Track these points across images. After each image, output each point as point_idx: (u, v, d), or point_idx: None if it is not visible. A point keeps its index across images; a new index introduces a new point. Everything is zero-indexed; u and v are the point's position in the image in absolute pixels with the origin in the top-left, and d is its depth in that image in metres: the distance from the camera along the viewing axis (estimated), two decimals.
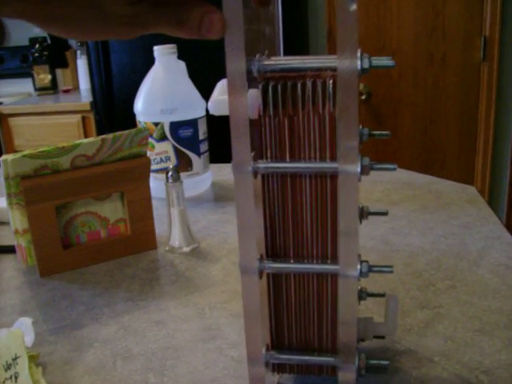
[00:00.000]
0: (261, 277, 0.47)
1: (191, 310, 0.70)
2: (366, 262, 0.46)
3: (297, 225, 0.47)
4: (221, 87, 0.97)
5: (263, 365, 0.49)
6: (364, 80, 2.37)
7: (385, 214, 0.55)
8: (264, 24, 0.51)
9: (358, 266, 0.45)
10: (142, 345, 0.63)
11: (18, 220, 0.81)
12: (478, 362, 0.57)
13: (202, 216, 1.02)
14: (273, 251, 0.48)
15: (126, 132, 0.81)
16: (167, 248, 0.87)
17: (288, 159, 0.45)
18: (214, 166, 1.21)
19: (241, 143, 0.43)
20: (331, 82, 0.44)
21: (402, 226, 0.92)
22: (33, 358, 0.59)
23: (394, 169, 0.46)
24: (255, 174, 0.44)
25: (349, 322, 0.46)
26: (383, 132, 0.50)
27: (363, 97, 2.38)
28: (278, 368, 0.53)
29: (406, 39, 2.32)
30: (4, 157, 0.76)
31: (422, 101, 2.36)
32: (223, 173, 1.23)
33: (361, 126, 0.46)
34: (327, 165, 0.44)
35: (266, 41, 0.51)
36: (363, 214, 0.51)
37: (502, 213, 2.44)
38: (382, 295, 0.60)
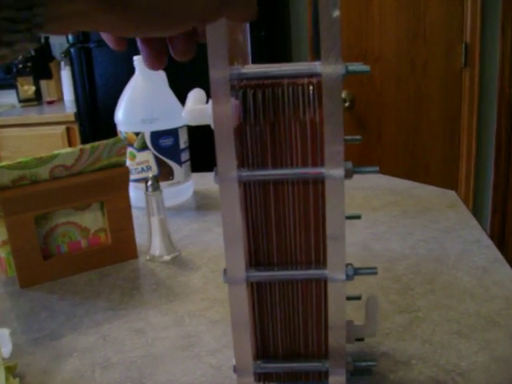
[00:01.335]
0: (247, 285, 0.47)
1: (171, 318, 0.70)
2: (351, 264, 0.47)
3: (280, 232, 0.47)
4: (193, 97, 0.97)
5: (252, 374, 0.49)
6: (347, 87, 2.38)
7: (358, 217, 0.56)
8: (238, 32, 0.51)
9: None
10: (121, 354, 0.63)
11: None
12: (455, 364, 0.58)
13: (183, 225, 1.02)
14: (256, 259, 0.48)
15: (104, 142, 0.81)
16: (148, 257, 0.87)
17: (270, 166, 0.45)
18: (196, 175, 1.22)
19: (225, 151, 0.43)
20: (311, 87, 0.45)
21: (382, 231, 0.93)
22: (10, 369, 0.59)
23: (376, 171, 0.46)
24: (239, 182, 0.44)
25: (338, 326, 0.47)
26: (354, 137, 0.50)
27: (347, 104, 2.39)
28: (264, 378, 0.52)
29: (387, 46, 2.33)
30: None
31: (405, 107, 2.37)
32: (205, 181, 1.23)
33: None
34: (313, 170, 0.44)
35: (239, 49, 0.52)
36: None
37: (486, 217, 2.46)
38: (358, 298, 0.60)
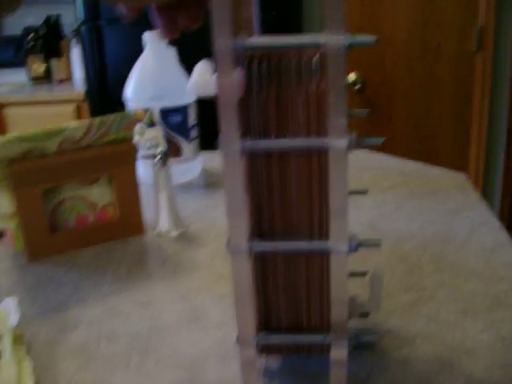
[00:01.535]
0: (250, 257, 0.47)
1: (177, 292, 0.70)
2: (355, 236, 0.46)
3: (284, 203, 0.47)
4: (200, 69, 0.97)
5: (254, 346, 0.49)
6: (358, 70, 2.37)
7: (363, 193, 0.55)
8: (244, 6, 0.51)
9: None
10: (127, 326, 0.64)
11: (5, 204, 0.81)
12: (460, 342, 0.57)
13: (191, 201, 1.02)
14: (259, 231, 0.48)
15: (112, 116, 0.81)
16: (155, 232, 0.87)
17: (274, 137, 0.45)
18: (205, 154, 1.22)
19: (229, 122, 0.42)
20: (315, 58, 0.44)
21: (389, 211, 0.92)
22: (17, 337, 0.59)
23: (380, 142, 0.45)
24: (243, 153, 0.44)
25: (340, 299, 0.46)
26: (361, 110, 0.50)
27: (357, 87, 2.38)
28: (267, 350, 0.53)
29: (400, 29, 2.32)
30: None
31: (416, 90, 2.36)
32: (213, 160, 1.23)
33: None
34: (316, 140, 0.44)
35: (246, 23, 0.51)
36: None
37: (495, 202, 2.45)
38: (364, 274, 0.60)
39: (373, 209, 0.94)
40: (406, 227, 0.86)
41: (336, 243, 0.45)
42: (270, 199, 0.47)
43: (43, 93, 2.95)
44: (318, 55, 0.44)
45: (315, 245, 0.47)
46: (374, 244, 0.47)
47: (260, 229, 0.48)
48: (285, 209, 0.47)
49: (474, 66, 2.31)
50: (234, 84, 0.41)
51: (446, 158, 2.40)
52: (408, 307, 0.64)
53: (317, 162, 0.45)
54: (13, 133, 0.77)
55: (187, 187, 1.10)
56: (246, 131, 0.45)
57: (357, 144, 0.44)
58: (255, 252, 0.48)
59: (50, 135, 0.78)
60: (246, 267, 0.46)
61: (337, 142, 0.42)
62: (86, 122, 0.80)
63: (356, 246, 0.46)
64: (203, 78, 0.92)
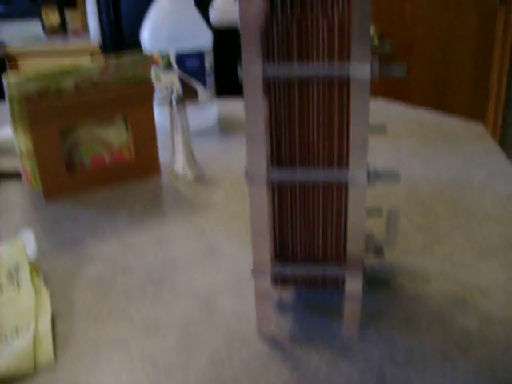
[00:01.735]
0: (268, 186, 0.47)
1: (192, 230, 0.71)
2: (374, 169, 0.46)
3: (303, 133, 0.47)
4: None
5: (269, 277, 0.49)
6: (376, 23, 2.33)
7: (383, 130, 0.55)
8: None
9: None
10: (142, 260, 0.64)
11: (22, 143, 0.81)
12: (475, 282, 0.57)
13: (207, 146, 1.01)
14: (278, 160, 0.48)
15: (130, 57, 0.81)
16: (171, 174, 0.87)
17: (296, 64, 0.44)
18: (221, 101, 1.21)
19: (251, 49, 0.42)
20: None
21: (406, 157, 0.92)
22: (34, 268, 0.60)
23: (403, 71, 0.45)
24: (264, 80, 0.44)
25: (357, 230, 0.46)
26: (383, 43, 0.49)
27: (374, 41, 2.34)
28: (281, 282, 0.53)
29: None
30: (7, 78, 0.76)
31: (436, 44, 2.32)
32: (230, 107, 1.22)
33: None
34: (340, 68, 0.43)
35: None
36: None
37: None
38: (380, 211, 0.60)
39: (389, 155, 0.93)
40: (422, 173, 0.85)
41: (355, 173, 0.44)
42: (289, 129, 0.46)
43: (58, 44, 2.93)
44: None
45: (334, 174, 0.46)
46: (393, 176, 0.47)
47: (279, 158, 0.48)
48: (304, 139, 0.47)
49: (495, 21, 2.27)
50: (257, 10, 0.41)
51: (463, 111, 2.37)
52: (423, 247, 0.64)
53: (338, 91, 0.45)
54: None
55: (203, 132, 1.09)
56: (268, 59, 0.45)
57: (380, 72, 0.43)
58: (273, 181, 0.48)
59: (66, 74, 0.77)
60: (264, 196, 0.46)
61: (360, 69, 0.42)
62: (102, 61, 0.79)
63: (375, 176, 0.45)
64: (226, 5, 0.91)
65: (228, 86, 1.19)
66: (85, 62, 2.27)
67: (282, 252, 0.51)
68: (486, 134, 1.03)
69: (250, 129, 0.44)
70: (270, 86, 0.45)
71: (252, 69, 0.42)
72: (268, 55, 0.44)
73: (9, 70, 2.88)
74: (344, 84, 0.44)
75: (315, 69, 0.44)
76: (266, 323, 0.51)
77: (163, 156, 0.90)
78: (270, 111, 0.46)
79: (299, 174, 0.47)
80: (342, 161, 0.47)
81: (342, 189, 0.48)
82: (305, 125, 0.46)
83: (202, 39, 1.07)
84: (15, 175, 0.91)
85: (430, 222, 0.70)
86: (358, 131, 0.43)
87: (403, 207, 0.74)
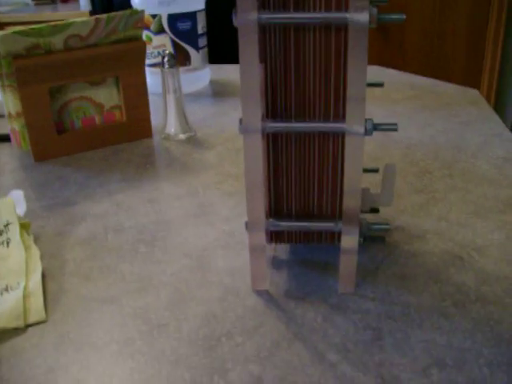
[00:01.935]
0: (263, 138, 0.46)
1: (184, 190, 0.70)
2: (371, 119, 0.45)
3: (299, 83, 0.45)
4: None
5: (264, 231, 0.48)
6: None
7: (380, 85, 0.54)
8: None
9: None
10: (133, 219, 0.63)
11: (10, 103, 0.80)
12: (470, 240, 0.57)
13: (199, 109, 1.00)
14: (273, 111, 0.46)
15: (120, 12, 0.79)
16: (163, 135, 0.86)
17: (292, 9, 0.43)
18: (213, 67, 1.19)
19: None
20: None
21: (401, 121, 0.91)
22: (24, 226, 0.59)
23: (402, 19, 0.43)
24: (259, 26, 0.42)
25: (354, 184, 0.45)
26: None
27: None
28: (276, 237, 0.52)
29: None
30: None
31: (430, 14, 2.29)
32: (222, 72, 1.20)
33: None
34: (338, 15, 0.42)
35: None
36: None
37: (507, 117, 2.43)
38: (376, 170, 0.59)
39: (384, 118, 0.92)
40: (418, 136, 0.84)
41: (352, 124, 0.43)
42: (285, 78, 0.45)
43: (47, 12, 2.88)
44: None
45: (330, 126, 0.45)
46: (390, 128, 0.46)
47: (274, 110, 0.46)
48: (300, 88, 0.45)
49: None
50: None
51: (458, 80, 2.35)
52: (419, 207, 0.64)
53: (335, 38, 0.43)
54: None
55: (195, 96, 1.08)
56: (264, 5, 0.43)
57: (378, 19, 0.42)
58: (268, 133, 0.47)
59: (55, 30, 0.76)
60: (259, 147, 0.45)
61: (358, 14, 0.40)
62: (92, 17, 0.77)
63: (372, 127, 0.44)
64: None
65: (222, 51, 1.17)
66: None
67: (276, 207, 0.50)
68: (481, 98, 1.02)
69: (244, 78, 0.43)
70: (265, 33, 0.44)
71: (247, 15, 0.41)
72: (264, 4, 0.43)
73: None
74: (341, 30, 0.43)
75: (312, 15, 0.42)
76: (261, 279, 0.50)
77: (155, 118, 0.89)
78: (265, 60, 0.45)
79: (294, 125, 0.46)
80: (339, 112, 0.46)
81: (339, 141, 0.47)
82: (301, 74, 0.45)
83: (194, 1, 1.05)
84: (4, 137, 0.90)
85: (425, 183, 0.69)
86: (355, 79, 0.42)
87: (399, 169, 0.73)
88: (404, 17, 0.43)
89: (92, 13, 2.62)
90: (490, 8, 2.25)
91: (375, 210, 0.57)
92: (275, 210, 0.50)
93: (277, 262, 0.54)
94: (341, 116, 0.46)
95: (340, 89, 0.45)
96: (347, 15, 0.41)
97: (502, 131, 0.86)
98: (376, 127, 0.45)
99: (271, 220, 0.49)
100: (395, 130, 0.46)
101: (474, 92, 1.06)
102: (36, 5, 3.14)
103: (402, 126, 0.88)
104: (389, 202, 0.53)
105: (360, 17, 0.40)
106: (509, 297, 0.48)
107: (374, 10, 0.42)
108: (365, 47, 0.41)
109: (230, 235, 0.59)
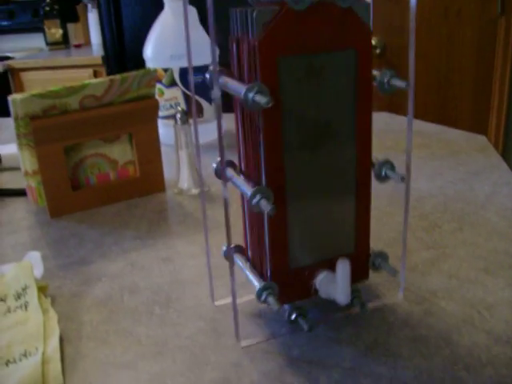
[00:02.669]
0: None
1: (198, 248, 0.71)
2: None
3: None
4: None
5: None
6: (378, 33, 2.33)
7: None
8: None
9: None
10: (148, 279, 0.64)
11: (27, 161, 0.82)
12: (481, 298, 0.57)
13: (211, 162, 1.01)
14: None
15: (134, 73, 0.81)
16: (176, 190, 0.87)
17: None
18: (226, 116, 1.21)
19: None
20: None
21: (411, 171, 0.92)
22: (42, 289, 0.60)
23: (407, 87, 0.45)
24: None
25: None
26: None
27: (377, 51, 2.35)
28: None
29: None
30: (13, 96, 0.76)
31: (437, 56, 2.32)
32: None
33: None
34: None
35: None
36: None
37: None
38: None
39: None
40: (427, 187, 0.85)
41: None
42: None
43: (60, 57, 2.94)
44: None
45: None
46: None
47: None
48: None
49: (496, 31, 2.27)
50: None
51: (465, 123, 2.37)
52: (429, 264, 0.64)
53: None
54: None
55: (208, 148, 1.09)
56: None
57: (383, 90, 0.44)
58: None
59: (71, 92, 0.78)
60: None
61: None
62: (107, 78, 0.80)
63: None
64: None
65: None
66: (87, 74, 2.27)
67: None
68: (489, 145, 1.04)
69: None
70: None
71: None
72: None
73: (12, 83, 2.89)
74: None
75: None
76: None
77: (168, 171, 0.90)
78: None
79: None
80: None
81: None
82: None
83: (206, 55, 1.07)
84: (20, 192, 0.91)
85: (435, 237, 0.70)
86: None
87: (408, 222, 0.74)
88: (409, 87, 0.45)
89: (104, 58, 2.67)
90: (495, 49, 2.28)
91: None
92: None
93: (285, 323, 0.55)
94: None
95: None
96: None
97: (510, 180, 0.87)
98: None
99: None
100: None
101: (481, 138, 1.08)
102: (50, 50, 3.20)
103: (412, 176, 0.89)
104: (345, 300, 0.50)
105: None
106: None
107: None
108: None
109: (243, 302, 0.60)
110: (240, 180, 0.51)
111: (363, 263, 0.55)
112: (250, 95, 0.44)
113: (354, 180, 0.51)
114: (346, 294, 0.49)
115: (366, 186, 0.52)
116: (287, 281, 0.52)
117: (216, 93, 0.44)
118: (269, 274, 0.51)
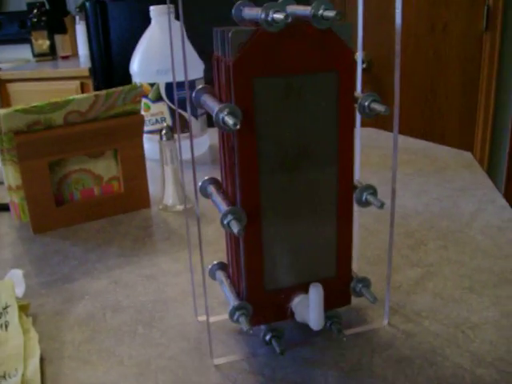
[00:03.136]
0: None
1: (182, 266, 0.70)
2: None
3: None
4: None
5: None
6: (364, 48, 2.35)
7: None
8: None
9: None
10: (132, 298, 0.64)
11: (11, 176, 0.81)
12: (466, 317, 0.57)
13: (197, 178, 1.01)
14: None
15: (119, 88, 0.81)
16: (160, 206, 0.87)
17: None
18: (212, 130, 1.21)
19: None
20: None
21: (396, 188, 0.92)
22: (23, 308, 0.59)
23: (386, 112, 0.45)
24: None
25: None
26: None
27: (364, 65, 2.36)
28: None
29: (407, 7, 2.29)
30: None
31: (423, 70, 2.34)
32: None
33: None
34: None
35: None
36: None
37: (500, 183, 2.44)
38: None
39: (380, 185, 0.93)
40: (412, 204, 0.85)
41: None
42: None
43: (47, 69, 2.93)
44: None
45: None
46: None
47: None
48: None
49: (481, 46, 2.29)
50: None
51: (451, 138, 2.39)
52: (414, 283, 0.64)
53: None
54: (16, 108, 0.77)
55: (195, 163, 1.09)
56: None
57: (364, 114, 0.44)
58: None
59: (55, 107, 0.77)
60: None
61: None
62: (92, 94, 0.79)
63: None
64: None
65: None
66: (74, 86, 2.25)
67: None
68: (474, 162, 1.04)
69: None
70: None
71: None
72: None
73: None
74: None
75: None
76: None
77: (153, 188, 0.90)
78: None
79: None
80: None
81: None
82: None
83: (192, 71, 1.07)
84: (3, 207, 0.91)
85: (420, 255, 0.70)
86: None
87: (394, 240, 0.74)
88: (388, 112, 0.45)
89: (91, 70, 2.66)
90: (480, 65, 2.30)
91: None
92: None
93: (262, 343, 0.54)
94: None
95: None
96: None
97: (495, 198, 0.87)
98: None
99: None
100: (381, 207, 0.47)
101: (467, 155, 1.08)
102: (37, 61, 3.19)
103: (397, 194, 0.89)
104: (317, 326, 0.50)
105: None
106: (504, 380, 0.48)
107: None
108: None
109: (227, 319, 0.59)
110: (218, 198, 0.51)
111: (345, 288, 0.55)
112: (221, 116, 0.44)
113: (335, 203, 0.51)
114: (319, 320, 0.49)
115: (348, 210, 0.51)
116: (263, 302, 0.51)
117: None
118: (244, 294, 0.51)
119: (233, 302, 0.51)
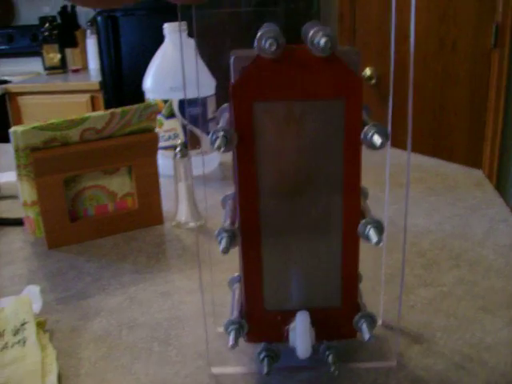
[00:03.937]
0: None
1: (196, 284, 0.71)
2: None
3: None
4: None
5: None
6: (373, 64, 2.36)
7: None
8: None
9: None
10: (147, 315, 0.64)
11: (26, 192, 0.82)
12: (480, 338, 0.58)
13: (209, 195, 1.01)
14: None
15: (135, 106, 0.82)
16: (174, 223, 0.88)
17: None
18: None
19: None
20: None
21: (409, 207, 0.92)
22: (40, 324, 0.60)
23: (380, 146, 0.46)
24: None
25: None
26: None
27: (373, 81, 2.37)
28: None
29: (416, 24, 2.30)
30: (14, 128, 0.77)
31: (432, 87, 2.34)
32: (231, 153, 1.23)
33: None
34: None
35: None
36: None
37: (510, 199, 2.44)
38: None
39: (391, 204, 0.94)
40: (424, 223, 0.86)
41: None
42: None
43: (58, 82, 2.96)
44: None
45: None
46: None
47: None
48: None
49: (490, 63, 2.30)
50: None
51: (460, 155, 2.39)
52: (427, 302, 0.64)
53: None
54: (27, 121, 0.78)
55: (205, 180, 1.10)
56: None
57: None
58: None
59: (72, 124, 0.78)
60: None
61: None
62: (108, 112, 0.80)
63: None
64: None
65: None
66: (84, 100, 2.28)
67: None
68: (485, 179, 1.04)
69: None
70: None
71: None
72: None
73: (9, 107, 2.90)
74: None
75: None
76: None
77: (166, 205, 0.91)
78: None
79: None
80: None
81: None
82: None
83: (205, 88, 1.08)
84: (17, 222, 0.91)
85: (433, 275, 0.70)
86: None
87: (406, 259, 0.75)
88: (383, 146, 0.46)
89: (102, 83, 2.69)
90: (489, 82, 2.30)
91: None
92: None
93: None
94: None
95: None
96: None
97: (507, 217, 0.87)
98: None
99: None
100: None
101: (477, 173, 1.08)
102: (48, 74, 3.22)
103: (409, 212, 0.90)
104: (303, 354, 0.50)
105: None
106: None
107: None
108: None
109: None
110: (226, 214, 0.52)
111: (349, 320, 0.52)
112: (214, 137, 0.44)
113: (340, 232, 0.50)
114: (305, 349, 0.49)
115: (353, 240, 0.50)
116: (261, 320, 0.52)
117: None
118: (244, 310, 0.52)
119: (231, 315, 0.51)
